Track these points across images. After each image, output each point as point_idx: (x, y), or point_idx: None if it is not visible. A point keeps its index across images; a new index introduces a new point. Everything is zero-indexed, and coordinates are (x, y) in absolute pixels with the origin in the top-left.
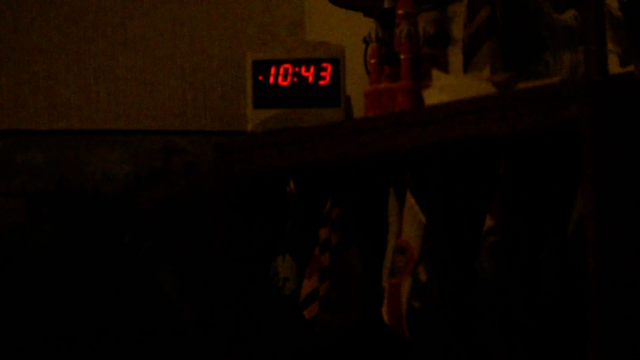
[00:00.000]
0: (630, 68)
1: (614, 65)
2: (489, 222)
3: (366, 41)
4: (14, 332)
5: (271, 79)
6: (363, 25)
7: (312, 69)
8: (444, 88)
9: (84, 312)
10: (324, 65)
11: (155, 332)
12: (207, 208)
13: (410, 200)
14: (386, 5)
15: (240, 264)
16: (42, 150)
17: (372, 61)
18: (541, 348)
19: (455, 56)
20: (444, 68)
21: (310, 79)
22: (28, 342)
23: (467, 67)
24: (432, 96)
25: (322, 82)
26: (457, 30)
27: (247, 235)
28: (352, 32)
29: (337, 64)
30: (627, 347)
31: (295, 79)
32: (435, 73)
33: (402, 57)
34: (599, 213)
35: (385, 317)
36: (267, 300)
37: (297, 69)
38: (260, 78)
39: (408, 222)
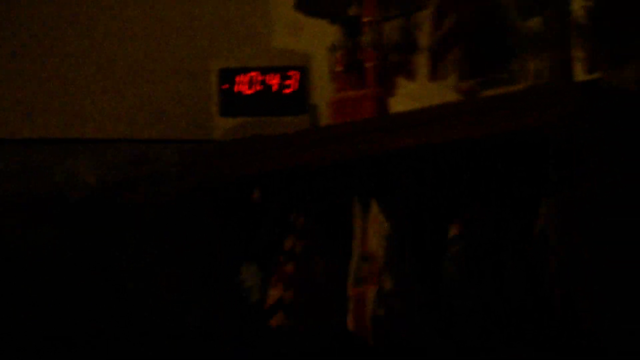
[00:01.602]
0: (596, 75)
1: (578, 72)
2: (454, 229)
3: (332, 49)
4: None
5: (237, 87)
6: (329, 33)
7: (277, 77)
8: (410, 95)
9: (60, 317)
10: (290, 73)
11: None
12: (174, 217)
13: (375, 208)
14: (351, 13)
15: (207, 272)
16: (10, 159)
17: (338, 69)
18: (504, 351)
19: (422, 63)
20: (410, 76)
21: (276, 87)
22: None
23: (433, 75)
24: (398, 104)
25: (287, 90)
26: (423, 37)
27: (213, 243)
28: (318, 40)
29: (303, 71)
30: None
31: (261, 87)
32: (400, 81)
33: (367, 64)
34: (563, 218)
35: (351, 325)
36: (234, 308)
37: (263, 77)
38: (226, 86)
39: (372, 231)
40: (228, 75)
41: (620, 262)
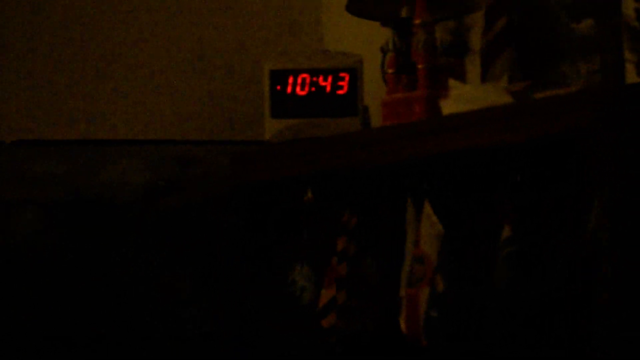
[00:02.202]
0: None
1: (631, 74)
2: (506, 231)
3: (383, 51)
4: (31, 341)
5: (289, 89)
6: (380, 34)
7: (329, 78)
8: (461, 97)
9: (98, 319)
10: (342, 74)
11: (169, 339)
12: (223, 217)
13: (428, 209)
14: (403, 14)
15: (257, 272)
16: (60, 160)
17: (390, 71)
18: (552, 355)
19: (473, 65)
20: (461, 77)
21: (328, 88)
22: (45, 348)
23: (484, 77)
24: (449, 106)
25: (339, 92)
26: (475, 39)
27: (263, 244)
28: (369, 41)
29: (355, 73)
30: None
31: (312, 89)
32: (452, 82)
33: (419, 66)
34: (612, 220)
35: (403, 326)
36: (285, 309)
37: (314, 79)
38: (278, 88)
39: (426, 232)
40: (279, 77)
41: None
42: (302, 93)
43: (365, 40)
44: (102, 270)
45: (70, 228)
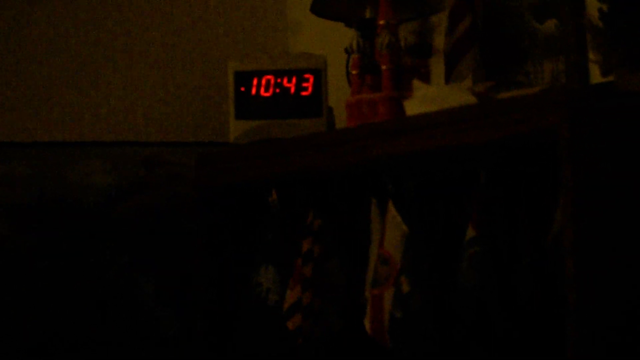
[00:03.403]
0: (611, 77)
1: (595, 75)
2: (470, 232)
3: (348, 52)
4: None
5: (253, 90)
6: (345, 35)
7: (294, 79)
8: (425, 98)
9: (65, 322)
10: (306, 76)
11: (135, 342)
12: (188, 218)
13: (392, 210)
14: (367, 15)
15: (222, 273)
16: (24, 162)
17: (354, 72)
18: (519, 355)
19: (437, 66)
20: (426, 78)
21: (293, 89)
22: (7, 353)
23: (448, 77)
24: (413, 106)
25: (304, 93)
26: (439, 40)
27: (229, 245)
28: (334, 42)
29: (319, 74)
30: (604, 350)
31: (277, 90)
32: (416, 83)
33: (383, 67)
34: (577, 221)
35: (368, 326)
36: (250, 310)
37: (279, 80)
38: (242, 89)
39: (390, 233)
40: (244, 78)
41: (632, 265)
42: (267, 94)
43: (330, 42)
44: (68, 272)
45: (35, 230)
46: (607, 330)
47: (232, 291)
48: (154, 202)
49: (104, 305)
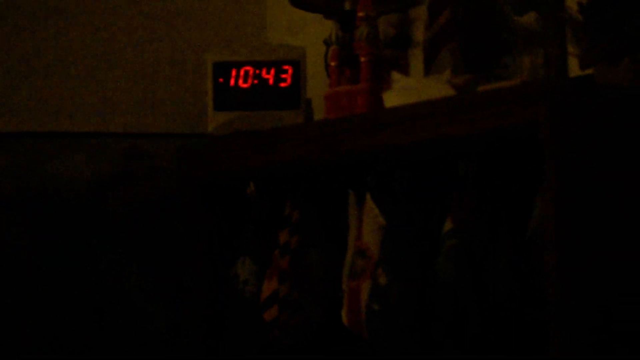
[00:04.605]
0: (590, 71)
1: (574, 68)
2: (448, 224)
3: (327, 43)
4: None
5: (232, 81)
6: (324, 27)
7: (272, 71)
8: (404, 90)
9: (46, 317)
10: (285, 67)
11: (123, 335)
12: (172, 211)
13: (370, 203)
14: (347, 7)
15: (203, 265)
16: (2, 153)
17: (333, 63)
18: (495, 349)
19: (416, 58)
20: (405, 70)
21: (271, 81)
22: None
23: (428, 70)
24: (392, 98)
25: (282, 85)
26: (418, 32)
27: (209, 237)
28: (313, 34)
29: (298, 66)
30: (585, 347)
31: (255, 81)
32: (395, 75)
33: (362, 59)
34: (558, 214)
35: (345, 319)
36: (229, 302)
37: (257, 71)
38: (221, 80)
39: (368, 225)
40: (222, 69)
41: (613, 261)
42: (245, 86)
43: (309, 33)
44: (48, 266)
45: (14, 222)
46: (589, 326)
47: (216, 283)
48: (136, 194)
49: (87, 299)
